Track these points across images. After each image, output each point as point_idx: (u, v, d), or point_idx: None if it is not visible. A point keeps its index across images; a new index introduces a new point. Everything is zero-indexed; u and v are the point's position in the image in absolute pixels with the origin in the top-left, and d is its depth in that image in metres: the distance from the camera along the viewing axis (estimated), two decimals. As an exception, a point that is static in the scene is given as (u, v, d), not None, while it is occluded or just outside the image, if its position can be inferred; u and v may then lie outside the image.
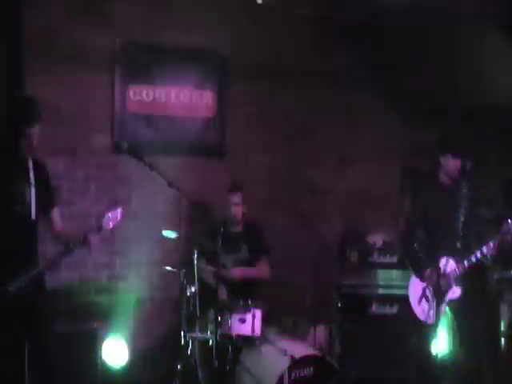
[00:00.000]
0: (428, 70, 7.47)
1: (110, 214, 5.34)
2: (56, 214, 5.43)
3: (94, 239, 5.23)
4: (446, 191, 6.03)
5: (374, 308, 7.31)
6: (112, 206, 5.39)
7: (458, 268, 5.83)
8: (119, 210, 5.40)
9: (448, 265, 5.88)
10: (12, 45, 6.70)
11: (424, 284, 5.96)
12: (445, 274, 5.86)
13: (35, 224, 5.28)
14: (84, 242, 5.22)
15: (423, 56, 7.36)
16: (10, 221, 5.12)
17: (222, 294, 6.50)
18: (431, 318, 5.81)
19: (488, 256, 5.74)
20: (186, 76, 7.43)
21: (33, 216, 5.22)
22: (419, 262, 6.04)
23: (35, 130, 5.13)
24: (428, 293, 5.92)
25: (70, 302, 6.79)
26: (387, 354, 7.13)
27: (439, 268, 5.83)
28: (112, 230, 5.40)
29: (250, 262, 6.76)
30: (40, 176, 5.30)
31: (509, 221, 5.60)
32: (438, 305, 5.83)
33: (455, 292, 5.88)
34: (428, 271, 5.89)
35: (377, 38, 7.63)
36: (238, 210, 6.79)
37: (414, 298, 6.12)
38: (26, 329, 5.13)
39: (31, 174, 5.23)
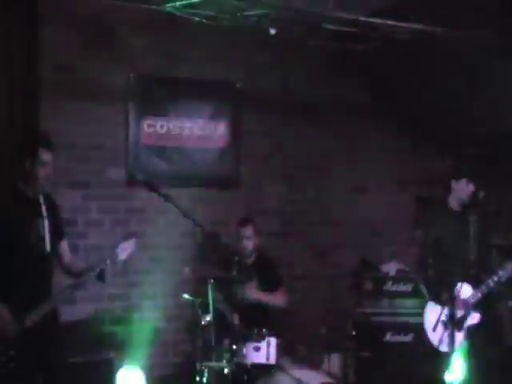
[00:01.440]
0: (439, 97, 7.53)
1: (123, 245, 5.40)
2: (64, 246, 5.49)
3: (107, 269, 5.29)
4: (457, 218, 6.07)
5: (389, 336, 7.32)
6: (125, 237, 5.45)
7: (475, 293, 5.84)
8: (133, 241, 5.46)
9: (464, 290, 5.91)
10: (28, 81, 6.79)
11: (440, 310, 5.96)
12: (463, 300, 5.88)
13: (50, 257, 5.33)
14: (100, 275, 5.29)
15: (435, 83, 7.43)
16: (26, 254, 5.17)
17: (235, 319, 6.51)
18: (447, 346, 5.82)
19: (503, 280, 5.76)
20: (200, 108, 7.51)
21: (47, 248, 5.28)
22: (435, 287, 6.05)
23: (50, 157, 5.20)
24: (444, 319, 5.91)
25: (86, 334, 6.81)
26: (402, 382, 7.11)
27: (456, 293, 5.86)
28: (125, 260, 5.46)
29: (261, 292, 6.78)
30: (51, 209, 5.37)
31: None
32: (457, 331, 5.85)
33: (474, 318, 5.89)
34: (445, 294, 5.89)
35: (388, 66, 7.71)
36: (249, 243, 6.81)
37: (429, 325, 6.12)
38: (41, 362, 5.16)
39: (43, 208, 5.32)
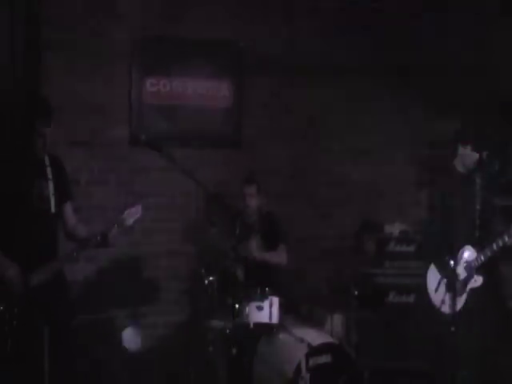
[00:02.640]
0: (448, 62, 7.49)
1: (129, 211, 5.39)
2: (69, 209, 5.50)
3: (112, 236, 5.30)
4: (462, 180, 6.06)
5: (391, 297, 7.35)
6: (132, 200, 5.44)
7: (479, 256, 5.85)
8: (139, 206, 5.44)
9: (469, 254, 5.92)
10: (31, 41, 6.77)
11: (444, 273, 5.98)
12: (466, 263, 5.89)
13: (55, 218, 5.35)
14: (103, 240, 5.29)
15: (443, 47, 7.39)
16: (31, 215, 5.20)
17: (240, 274, 6.54)
18: (449, 308, 5.84)
19: (508, 243, 5.76)
20: (203, 67, 7.45)
21: (52, 210, 5.29)
22: (439, 251, 6.06)
23: (49, 131, 5.21)
24: (447, 282, 5.92)
25: (89, 292, 6.86)
26: (404, 343, 7.15)
27: (459, 256, 5.89)
28: (132, 226, 5.46)
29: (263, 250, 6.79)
30: (56, 171, 5.37)
31: None
32: (459, 295, 5.87)
33: (477, 281, 5.90)
34: (448, 256, 5.90)
35: (396, 28, 7.66)
36: (252, 202, 6.82)
37: (431, 287, 6.13)
38: (47, 321, 5.19)
39: (48, 170, 5.32)
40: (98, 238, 5.27)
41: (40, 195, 5.23)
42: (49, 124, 5.21)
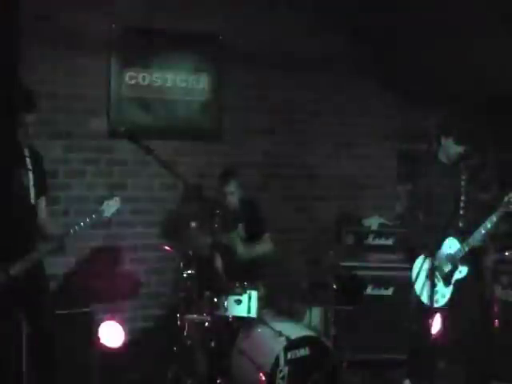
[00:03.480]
0: (427, 55, 7.51)
1: (108, 202, 5.38)
2: (43, 202, 5.47)
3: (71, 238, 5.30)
4: (448, 170, 6.10)
5: (370, 290, 7.38)
6: (110, 192, 5.43)
7: (462, 247, 5.89)
8: (117, 198, 5.44)
9: (452, 244, 5.96)
10: (9, 31, 6.70)
11: (428, 265, 6.00)
12: (450, 254, 5.93)
13: (34, 208, 5.32)
14: (60, 244, 5.28)
15: (422, 42, 7.40)
16: (11, 204, 5.16)
17: (218, 263, 6.53)
18: (434, 300, 5.87)
19: (488, 234, 5.81)
20: (183, 60, 7.44)
21: (32, 200, 5.26)
22: (423, 239, 6.09)
23: (31, 118, 5.17)
24: (430, 273, 5.94)
25: (68, 286, 6.83)
26: (382, 335, 7.19)
27: (441, 247, 5.96)
28: (110, 217, 5.45)
29: (246, 240, 6.79)
30: (36, 163, 5.35)
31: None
32: (445, 286, 5.92)
33: (462, 271, 5.95)
34: (430, 247, 5.94)
35: (376, 23, 7.66)
36: (232, 199, 6.79)
37: (419, 280, 6.14)
38: (26, 312, 5.17)
39: (28, 160, 5.28)
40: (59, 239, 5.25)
41: (20, 184, 5.20)
42: (31, 112, 5.17)
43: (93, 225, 5.43)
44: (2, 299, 5.04)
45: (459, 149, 6.02)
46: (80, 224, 5.32)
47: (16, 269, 5.07)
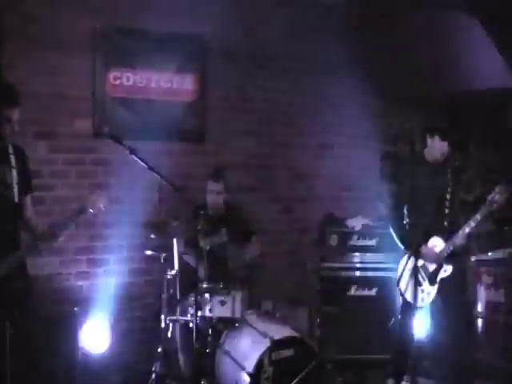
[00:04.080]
0: (408, 57, 7.54)
1: (92, 197, 5.35)
2: (29, 200, 5.43)
3: (62, 233, 5.25)
4: (433, 171, 6.12)
5: (353, 290, 7.40)
6: (95, 189, 5.41)
7: (447, 247, 5.92)
8: (102, 193, 5.41)
9: (437, 244, 5.98)
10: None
11: (413, 265, 6.03)
12: (435, 254, 5.96)
13: (19, 207, 5.28)
14: (52, 235, 5.24)
15: (403, 43, 7.44)
16: None
17: (201, 273, 6.54)
18: (419, 300, 5.90)
19: (474, 230, 5.85)
20: (167, 60, 7.42)
21: (16, 199, 5.22)
22: (408, 239, 6.10)
23: (16, 113, 5.13)
24: (418, 274, 5.97)
25: (51, 287, 6.81)
26: (366, 336, 7.22)
27: (426, 246, 5.99)
28: (95, 213, 5.40)
29: (228, 245, 6.78)
30: (20, 161, 5.31)
31: (496, 189, 5.72)
32: (430, 285, 5.95)
33: (447, 270, 5.98)
34: (414, 247, 5.96)
35: (356, 23, 7.70)
36: (219, 199, 6.79)
37: (402, 280, 6.16)
38: (9, 313, 5.13)
39: (12, 158, 5.25)
40: (50, 232, 5.21)
41: (3, 181, 5.16)
42: (15, 107, 5.13)
43: (77, 224, 5.39)
44: None
45: (445, 146, 6.05)
46: (68, 220, 5.27)
47: (0, 269, 5.04)
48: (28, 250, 5.22)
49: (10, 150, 5.24)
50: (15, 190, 5.20)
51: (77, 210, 5.31)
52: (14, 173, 5.21)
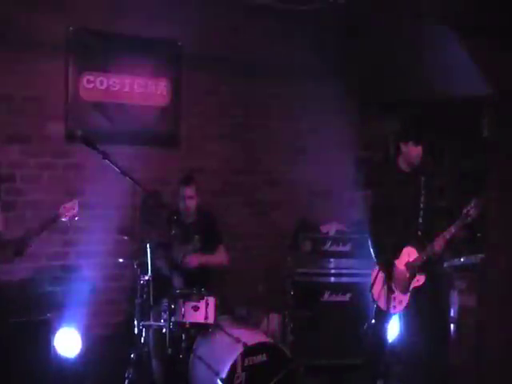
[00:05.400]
0: (383, 63, 7.59)
1: (65, 206, 5.30)
2: None
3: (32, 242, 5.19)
4: (407, 179, 6.14)
5: (327, 296, 7.40)
6: (68, 196, 5.36)
7: (420, 256, 5.94)
8: (75, 202, 5.36)
9: (410, 253, 6.00)
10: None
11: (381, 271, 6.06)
12: (408, 263, 5.97)
13: None
14: (22, 244, 5.18)
15: (378, 49, 7.48)
16: None
17: (178, 282, 6.52)
18: (392, 307, 5.93)
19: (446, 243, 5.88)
20: (141, 65, 7.40)
21: None
22: (384, 251, 6.11)
23: None
24: (386, 280, 5.99)
25: (24, 293, 6.75)
26: (339, 341, 7.24)
27: (400, 255, 6.02)
28: (68, 220, 5.36)
29: (202, 252, 6.75)
30: None
31: (471, 203, 5.75)
32: (402, 294, 5.97)
33: (419, 280, 5.99)
34: (387, 255, 5.99)
35: (331, 29, 7.73)
36: (191, 203, 6.76)
37: (375, 286, 6.17)
38: None
39: None
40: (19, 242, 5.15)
41: None
42: None
43: (50, 230, 5.36)
44: None
45: (419, 150, 6.06)
46: (38, 228, 5.23)
47: None
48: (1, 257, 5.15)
49: None
50: None
51: (49, 218, 5.27)
52: None
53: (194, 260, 6.61)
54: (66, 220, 5.37)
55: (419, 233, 6.06)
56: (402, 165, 6.19)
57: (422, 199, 6.06)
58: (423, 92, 7.44)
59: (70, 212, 5.33)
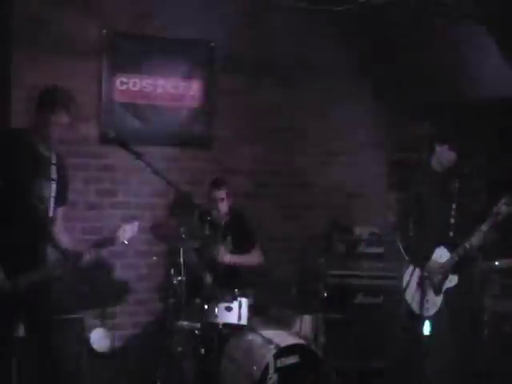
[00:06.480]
0: (418, 64, 7.55)
1: (125, 227, 5.18)
2: (60, 213, 5.25)
3: (89, 255, 5.13)
4: (440, 180, 6.10)
5: (360, 298, 7.37)
6: (128, 219, 5.28)
7: (452, 257, 5.89)
8: (136, 225, 5.24)
9: (442, 254, 5.95)
10: (0, 34, 6.70)
11: (419, 274, 6.00)
12: (440, 264, 5.93)
13: (52, 221, 5.14)
14: (78, 258, 5.11)
15: (411, 52, 7.44)
16: (27, 216, 4.98)
17: (211, 282, 6.53)
18: (424, 309, 5.88)
19: (478, 243, 5.82)
20: (174, 66, 7.42)
21: (50, 213, 5.08)
22: (417, 253, 6.07)
23: (60, 120, 4.98)
24: (424, 283, 5.95)
25: (58, 291, 6.77)
26: (371, 344, 7.19)
27: (432, 257, 5.96)
28: (126, 243, 5.25)
29: (234, 253, 6.75)
30: (61, 171, 5.18)
31: (502, 201, 5.70)
32: (435, 295, 5.92)
33: (452, 280, 5.95)
34: (420, 257, 5.94)
35: (365, 31, 7.70)
36: (222, 205, 6.76)
37: (409, 289, 6.12)
38: (26, 319, 5.04)
39: (53, 169, 5.11)
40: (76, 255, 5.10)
41: (39, 196, 5.00)
42: (68, 114, 4.99)
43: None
44: (4, 312, 4.90)
45: (453, 155, 6.03)
46: (95, 249, 5.16)
47: (22, 284, 4.90)
48: (53, 269, 5.09)
49: (53, 160, 5.12)
50: (51, 203, 5.06)
51: (105, 239, 5.18)
52: (53, 186, 5.06)
53: (226, 257, 6.60)
54: (125, 241, 5.22)
55: (451, 234, 6.01)
56: (436, 166, 6.15)
57: (455, 200, 6.01)
58: (458, 94, 7.39)
59: (128, 233, 5.18)
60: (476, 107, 7.32)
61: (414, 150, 7.83)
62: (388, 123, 8.19)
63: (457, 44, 6.99)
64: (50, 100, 5.02)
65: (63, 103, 5.02)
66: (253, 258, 6.79)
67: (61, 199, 5.19)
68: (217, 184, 6.76)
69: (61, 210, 5.24)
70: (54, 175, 5.08)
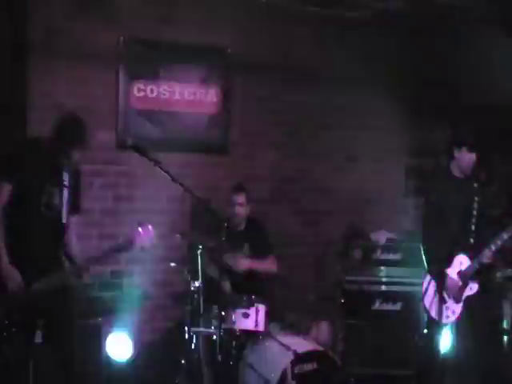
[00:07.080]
0: (433, 69, 7.53)
1: (138, 232, 5.19)
2: (73, 221, 5.34)
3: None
4: (460, 186, 6.05)
5: (377, 305, 7.34)
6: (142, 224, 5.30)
7: (473, 264, 5.85)
8: (150, 227, 5.26)
9: (462, 261, 5.92)
10: (17, 42, 6.73)
11: (434, 280, 5.97)
12: (461, 271, 5.89)
13: (65, 228, 5.20)
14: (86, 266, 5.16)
15: (429, 55, 7.42)
16: (40, 223, 5.05)
17: (226, 287, 6.51)
18: (444, 316, 5.84)
19: (499, 250, 5.78)
20: (191, 73, 7.44)
21: (63, 220, 5.15)
22: (437, 260, 6.03)
23: (74, 155, 5.11)
24: (438, 289, 5.91)
25: (76, 298, 6.79)
26: (389, 350, 7.16)
27: (452, 264, 5.92)
28: (143, 248, 5.25)
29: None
30: (74, 178, 5.24)
31: None
32: (455, 303, 5.88)
33: (472, 288, 5.91)
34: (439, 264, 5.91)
35: (382, 36, 7.69)
36: (241, 210, 6.77)
37: (427, 296, 6.09)
38: (45, 326, 5.06)
39: (66, 177, 5.18)
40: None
41: (49, 204, 5.08)
42: (76, 147, 5.13)
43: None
44: (22, 316, 4.94)
45: (473, 157, 5.98)
46: (108, 253, 5.20)
47: (38, 290, 4.95)
48: (67, 277, 5.12)
49: (68, 167, 5.19)
50: (64, 210, 5.12)
51: (121, 244, 5.21)
52: (66, 193, 5.12)
53: (243, 262, 6.60)
54: (142, 246, 5.23)
55: (472, 240, 5.97)
56: (455, 171, 6.11)
57: (475, 206, 5.96)
58: (474, 97, 7.37)
59: (143, 238, 5.19)
60: (493, 110, 7.28)
61: (432, 156, 7.81)
62: (405, 129, 8.17)
63: (479, 46, 6.96)
64: (67, 137, 5.14)
65: (80, 144, 5.15)
66: (267, 265, 6.77)
67: (74, 208, 5.26)
68: (237, 189, 6.77)
69: (74, 219, 5.31)
70: (66, 182, 5.16)
